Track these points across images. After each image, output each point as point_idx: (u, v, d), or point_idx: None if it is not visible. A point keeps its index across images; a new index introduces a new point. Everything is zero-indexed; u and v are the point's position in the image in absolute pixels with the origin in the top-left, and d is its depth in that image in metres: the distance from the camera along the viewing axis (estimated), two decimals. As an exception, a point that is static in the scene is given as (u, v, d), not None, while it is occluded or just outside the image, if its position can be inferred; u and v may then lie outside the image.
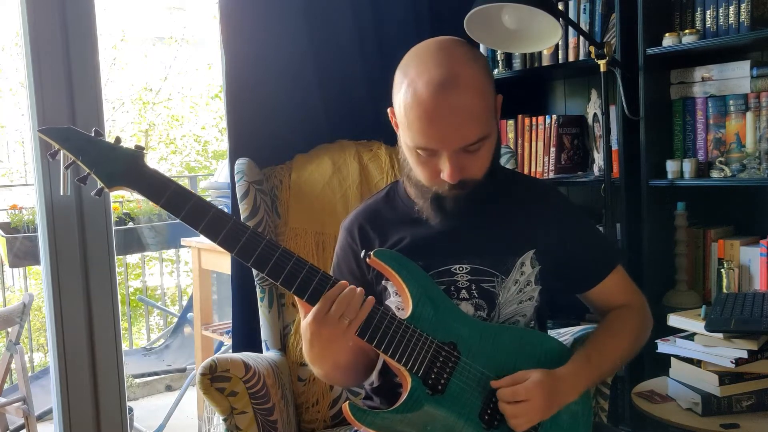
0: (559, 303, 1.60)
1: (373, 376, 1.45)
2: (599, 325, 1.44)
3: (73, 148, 1.18)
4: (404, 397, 1.23)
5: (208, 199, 3.42)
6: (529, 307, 1.37)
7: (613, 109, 2.38)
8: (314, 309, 1.19)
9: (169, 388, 4.20)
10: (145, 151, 1.20)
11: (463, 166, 1.25)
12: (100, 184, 1.19)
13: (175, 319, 4.82)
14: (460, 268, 1.34)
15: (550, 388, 1.24)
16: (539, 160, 2.64)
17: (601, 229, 2.37)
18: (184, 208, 1.18)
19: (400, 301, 1.34)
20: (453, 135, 1.22)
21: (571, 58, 2.55)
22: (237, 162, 1.93)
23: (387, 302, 1.38)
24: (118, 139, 1.20)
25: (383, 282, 1.38)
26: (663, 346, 1.85)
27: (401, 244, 1.36)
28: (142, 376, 4.18)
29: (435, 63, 1.23)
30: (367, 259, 1.28)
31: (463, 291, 1.34)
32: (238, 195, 1.87)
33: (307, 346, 1.24)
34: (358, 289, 1.20)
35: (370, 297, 1.21)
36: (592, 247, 1.44)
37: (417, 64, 1.25)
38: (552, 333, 1.59)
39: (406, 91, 1.24)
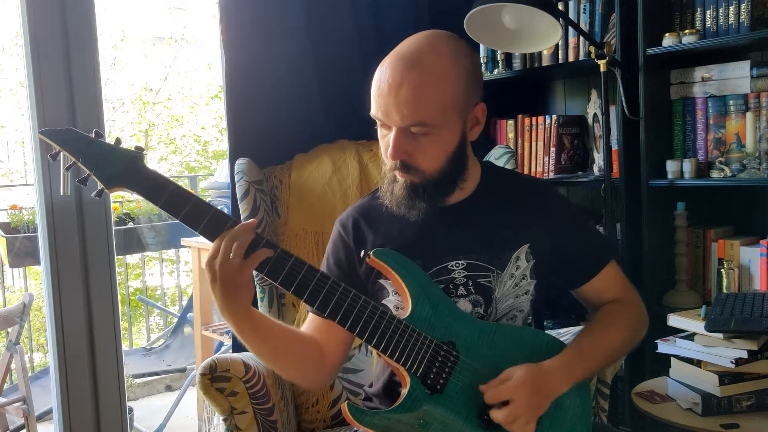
0: (559, 303, 1.60)
1: (372, 378, 1.45)
2: (592, 318, 1.43)
3: (73, 150, 1.19)
4: (403, 396, 1.23)
5: (208, 199, 3.43)
6: (525, 302, 1.37)
7: (613, 109, 2.38)
8: (209, 253, 1.18)
9: (169, 388, 4.20)
10: (144, 153, 1.21)
11: (407, 150, 1.27)
12: (99, 185, 1.19)
13: (175, 319, 4.82)
14: (457, 264, 1.35)
15: (536, 382, 1.22)
16: (539, 160, 2.64)
17: (600, 228, 2.38)
18: (184, 209, 1.18)
19: (398, 300, 1.34)
20: (394, 109, 1.25)
21: (571, 58, 2.55)
22: (237, 162, 1.93)
23: (385, 301, 1.38)
24: (118, 141, 1.20)
25: (381, 281, 1.38)
26: (663, 346, 1.85)
27: (396, 242, 1.36)
28: (142, 376, 4.18)
29: (411, 43, 1.29)
30: (367, 259, 1.28)
31: (461, 288, 1.34)
32: (238, 195, 1.87)
33: (216, 301, 1.21)
34: (250, 225, 1.18)
35: (264, 249, 1.18)
36: (585, 242, 1.44)
37: (401, 44, 1.30)
38: (552, 333, 1.59)
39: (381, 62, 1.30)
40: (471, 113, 1.32)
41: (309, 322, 1.40)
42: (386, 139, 1.30)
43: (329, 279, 1.21)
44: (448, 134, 1.29)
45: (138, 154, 1.20)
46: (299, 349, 1.34)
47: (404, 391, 1.23)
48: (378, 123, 1.31)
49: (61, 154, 1.19)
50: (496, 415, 1.21)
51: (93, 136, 1.20)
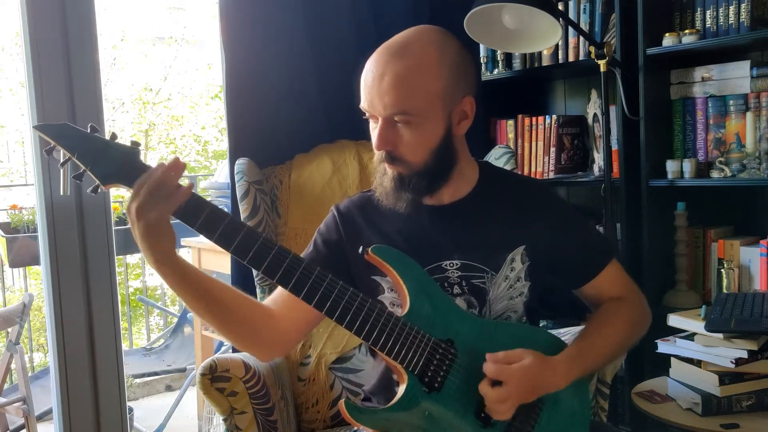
0: (554, 303, 1.60)
1: (371, 378, 1.45)
2: (592, 315, 1.43)
3: (68, 145, 1.16)
4: (400, 394, 1.22)
5: (208, 199, 3.43)
6: (519, 304, 1.37)
7: (613, 109, 2.38)
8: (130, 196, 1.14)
9: (169, 388, 4.20)
10: (141, 148, 1.19)
11: (392, 141, 1.28)
12: (95, 181, 1.17)
13: (175, 319, 4.82)
14: (451, 264, 1.34)
15: (537, 374, 1.22)
16: (539, 160, 2.64)
17: (600, 228, 2.38)
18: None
19: (394, 297, 1.34)
20: (377, 98, 1.26)
21: (571, 58, 2.55)
22: (237, 162, 1.93)
23: (380, 298, 1.37)
24: (114, 136, 1.18)
25: (376, 278, 1.37)
26: (663, 346, 1.85)
27: (390, 239, 1.36)
28: (142, 376, 4.18)
29: (398, 35, 1.31)
30: (365, 256, 1.27)
31: (455, 287, 1.34)
32: (238, 195, 1.87)
33: (138, 244, 1.16)
34: (174, 171, 1.14)
35: (183, 191, 1.14)
36: (585, 243, 1.44)
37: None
38: (552, 333, 1.59)
39: None
40: (458, 106, 1.31)
41: (272, 295, 1.38)
42: (375, 131, 1.30)
43: (327, 276, 1.20)
44: (432, 125, 1.28)
45: (134, 149, 1.17)
46: (242, 312, 1.29)
47: (402, 389, 1.23)
48: (367, 115, 1.32)
49: (56, 149, 1.17)
50: (487, 390, 1.20)
51: (89, 131, 1.17)
